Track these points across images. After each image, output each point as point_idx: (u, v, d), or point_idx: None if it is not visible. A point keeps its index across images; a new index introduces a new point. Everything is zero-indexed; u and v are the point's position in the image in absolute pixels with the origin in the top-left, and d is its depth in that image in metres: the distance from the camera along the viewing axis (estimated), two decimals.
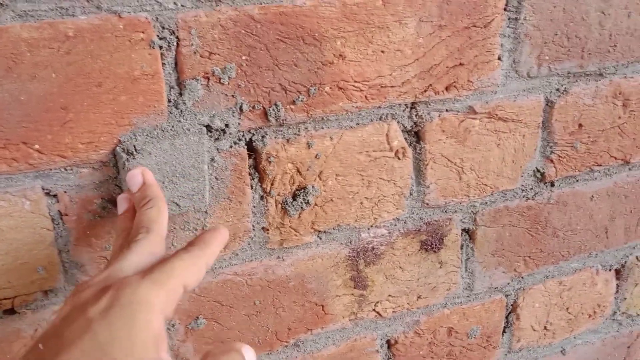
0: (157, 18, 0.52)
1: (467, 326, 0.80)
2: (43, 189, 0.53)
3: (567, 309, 0.87)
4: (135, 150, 0.53)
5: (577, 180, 0.79)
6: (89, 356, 0.36)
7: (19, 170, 0.51)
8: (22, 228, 0.53)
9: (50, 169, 0.53)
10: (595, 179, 0.81)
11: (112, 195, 0.56)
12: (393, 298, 0.74)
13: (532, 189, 0.77)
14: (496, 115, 0.70)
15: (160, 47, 0.53)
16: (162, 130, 0.55)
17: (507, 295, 0.82)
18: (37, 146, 0.51)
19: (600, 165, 0.79)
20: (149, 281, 0.40)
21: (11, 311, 0.56)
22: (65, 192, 0.54)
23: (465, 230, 0.75)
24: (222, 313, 0.65)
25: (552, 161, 0.76)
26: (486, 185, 0.73)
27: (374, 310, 0.73)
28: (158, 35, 0.53)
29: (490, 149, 0.71)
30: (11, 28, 0.48)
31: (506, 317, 0.84)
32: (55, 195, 0.54)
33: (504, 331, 0.84)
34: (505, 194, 0.75)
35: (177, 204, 0.57)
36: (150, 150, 0.54)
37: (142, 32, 0.52)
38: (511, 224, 0.77)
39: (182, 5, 0.53)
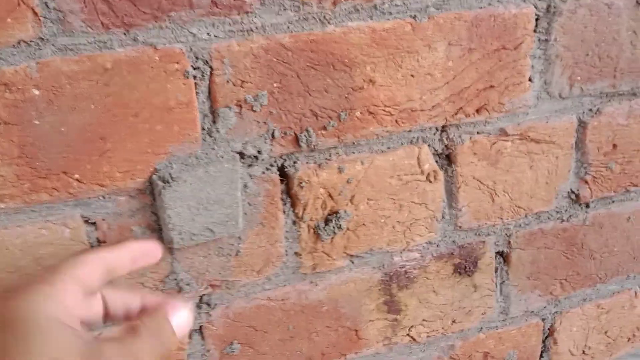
0: (191, 49, 0.53)
1: (504, 351, 0.79)
2: (82, 217, 0.55)
3: (606, 332, 0.85)
4: (171, 178, 0.54)
5: (612, 201, 0.78)
6: None
7: (60, 199, 0.53)
8: (62, 256, 0.55)
9: (89, 198, 0.54)
10: (632, 199, 0.79)
11: (149, 222, 0.57)
12: (427, 322, 0.73)
13: (566, 210, 0.76)
14: (528, 136, 0.70)
15: (194, 77, 0.54)
16: (197, 158, 0.56)
17: (543, 319, 0.80)
18: (76, 175, 0.52)
19: (636, 185, 0.78)
20: None
21: None
22: (103, 219, 0.55)
23: (500, 253, 0.75)
24: (256, 338, 0.65)
25: (586, 182, 0.75)
26: (520, 207, 0.72)
27: (408, 334, 0.73)
28: (192, 65, 0.54)
29: (523, 171, 0.71)
30: (52, 62, 0.49)
31: (543, 342, 0.82)
32: (94, 223, 0.55)
33: (541, 356, 0.82)
34: (540, 216, 0.74)
35: (212, 230, 0.58)
36: (185, 178, 0.55)
37: (177, 63, 0.53)
38: (546, 246, 0.76)
39: (215, 36, 0.54)
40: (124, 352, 0.40)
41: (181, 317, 0.46)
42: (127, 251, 0.48)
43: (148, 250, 0.50)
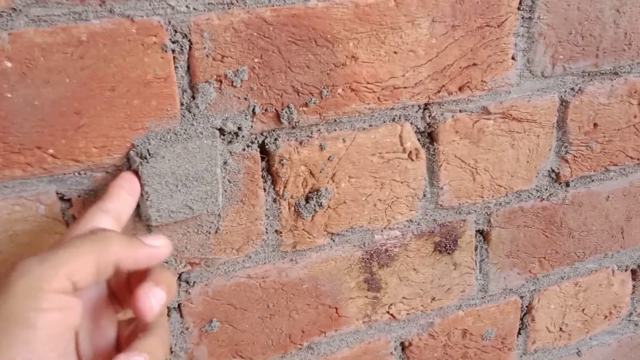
0: (169, 21, 0.52)
1: (482, 328, 0.80)
2: (57, 194, 0.53)
3: (583, 310, 0.86)
4: (149, 154, 0.53)
5: (592, 180, 0.79)
6: None
7: (33, 175, 0.51)
8: (36, 232, 0.53)
9: (64, 174, 0.53)
10: (611, 178, 0.80)
11: None
12: (407, 300, 0.73)
13: (547, 189, 0.76)
14: (510, 115, 0.69)
15: (173, 51, 0.53)
16: (175, 133, 0.55)
17: (522, 297, 0.81)
18: (51, 151, 0.51)
19: (616, 165, 0.79)
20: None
21: None
22: (79, 196, 0.54)
23: (480, 232, 0.75)
24: (236, 316, 0.65)
25: (567, 161, 0.75)
26: (500, 186, 0.72)
27: (387, 312, 0.73)
28: (170, 39, 0.53)
29: (505, 150, 0.71)
30: (25, 33, 0.48)
31: (521, 319, 0.83)
32: (69, 200, 0.54)
33: (519, 333, 0.83)
34: (520, 195, 0.75)
35: (191, 207, 0.57)
36: (163, 154, 0.54)
37: (155, 36, 0.52)
38: (526, 224, 0.77)
39: (194, 9, 0.53)
40: None
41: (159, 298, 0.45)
42: (150, 255, 0.46)
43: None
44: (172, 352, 0.64)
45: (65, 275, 0.40)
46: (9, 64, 0.48)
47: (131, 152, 0.54)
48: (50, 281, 0.39)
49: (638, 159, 0.80)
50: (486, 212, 0.74)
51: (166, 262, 0.59)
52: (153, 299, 0.44)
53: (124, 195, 0.50)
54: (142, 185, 0.54)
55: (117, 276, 0.47)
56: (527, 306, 0.82)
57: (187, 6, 0.52)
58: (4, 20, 0.47)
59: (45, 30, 0.48)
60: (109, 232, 0.44)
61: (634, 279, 0.89)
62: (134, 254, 0.44)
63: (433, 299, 0.75)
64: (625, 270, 0.88)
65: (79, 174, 0.53)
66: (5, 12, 0.47)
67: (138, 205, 0.56)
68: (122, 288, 0.49)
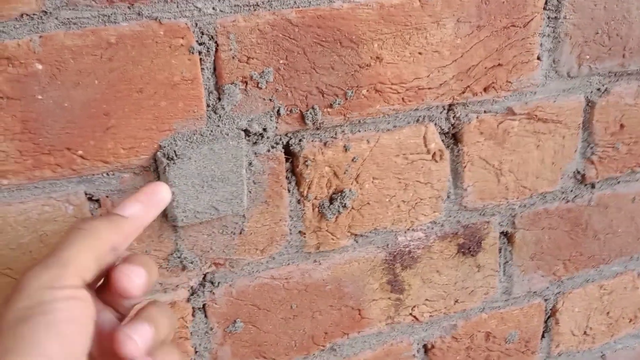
0: (196, 24, 0.52)
1: (505, 331, 0.79)
2: (86, 194, 0.54)
3: (608, 313, 0.85)
4: (176, 155, 0.54)
5: (618, 182, 0.78)
6: None
7: (63, 176, 0.52)
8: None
9: (93, 174, 0.53)
10: (637, 180, 0.79)
11: None
12: (430, 302, 0.73)
13: (572, 191, 0.75)
14: (536, 116, 0.69)
15: (200, 53, 0.53)
16: (201, 135, 0.56)
17: (546, 300, 0.81)
18: (80, 152, 0.52)
19: None
20: None
21: None
22: (107, 197, 0.55)
23: (504, 234, 0.74)
24: (259, 317, 0.65)
25: (592, 162, 0.74)
26: (525, 187, 0.72)
27: (410, 314, 0.73)
28: (197, 41, 0.53)
29: (530, 151, 0.70)
30: (55, 36, 0.48)
31: (545, 322, 0.82)
32: (97, 200, 0.55)
33: (542, 336, 0.83)
34: (545, 197, 0.74)
35: (216, 208, 0.57)
36: (190, 155, 0.54)
37: (182, 38, 0.52)
38: (550, 226, 0.76)
39: (220, 11, 0.53)
40: None
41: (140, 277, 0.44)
42: (134, 224, 0.46)
43: (154, 195, 0.48)
44: (196, 352, 0.64)
45: (72, 274, 0.40)
46: (39, 66, 0.48)
47: (158, 153, 0.54)
48: (60, 280, 0.40)
49: None
50: (510, 214, 0.73)
51: (191, 263, 0.60)
52: (131, 274, 0.43)
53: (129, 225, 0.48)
54: (168, 186, 0.54)
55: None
56: (551, 309, 0.82)
57: (213, 8, 0.53)
58: (35, 23, 0.48)
59: (75, 33, 0.49)
60: (94, 222, 0.44)
61: None
62: (122, 232, 0.45)
63: (456, 301, 0.74)
64: None
65: (107, 174, 0.54)
66: (36, 15, 0.48)
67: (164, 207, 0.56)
68: (108, 293, 0.48)
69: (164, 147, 0.54)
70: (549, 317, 0.82)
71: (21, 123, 0.49)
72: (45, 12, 0.48)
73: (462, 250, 0.72)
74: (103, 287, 0.47)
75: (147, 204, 0.48)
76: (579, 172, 0.75)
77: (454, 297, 0.74)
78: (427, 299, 0.73)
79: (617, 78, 0.72)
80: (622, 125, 0.74)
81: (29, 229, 0.53)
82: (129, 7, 0.50)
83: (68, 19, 0.48)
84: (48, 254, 0.42)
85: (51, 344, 0.37)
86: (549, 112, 0.69)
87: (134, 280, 0.43)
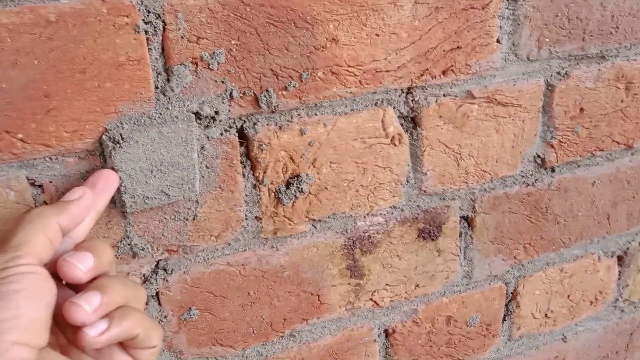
0: (142, 1, 0.50)
1: (467, 314, 0.79)
2: (28, 179, 0.52)
3: (569, 296, 0.86)
4: (122, 138, 0.52)
5: (578, 166, 0.78)
6: None
7: (3, 161, 0.50)
8: (7, 219, 0.52)
9: (35, 159, 0.51)
10: (597, 164, 0.79)
11: None
12: (390, 287, 0.73)
13: (532, 174, 0.75)
14: (495, 99, 0.68)
15: (146, 32, 0.51)
16: (150, 117, 0.54)
17: (507, 283, 0.81)
18: (20, 135, 0.50)
19: (602, 150, 0.78)
20: None
21: None
22: (50, 182, 0.53)
23: (464, 218, 0.74)
24: (216, 304, 0.64)
25: (552, 146, 0.74)
26: (485, 171, 0.71)
27: (371, 299, 0.72)
28: (143, 20, 0.51)
29: (489, 135, 0.70)
30: None
31: (506, 305, 0.82)
32: (40, 186, 0.53)
33: (504, 319, 0.83)
34: (505, 180, 0.74)
35: (167, 194, 0.55)
36: (137, 139, 0.52)
37: (127, 16, 0.50)
38: (511, 210, 0.76)
39: None
40: None
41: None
42: (79, 205, 0.48)
43: (100, 179, 0.51)
44: None
45: (26, 254, 0.42)
46: None
47: (104, 136, 0.52)
48: (18, 260, 0.42)
49: (624, 144, 0.79)
50: (470, 198, 0.73)
51: (142, 250, 0.58)
52: (74, 261, 0.45)
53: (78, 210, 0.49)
54: (115, 171, 0.52)
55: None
56: (512, 292, 0.82)
57: None
58: None
59: (12, 10, 0.46)
60: (39, 208, 0.47)
61: (619, 265, 0.89)
62: (68, 213, 0.47)
63: (417, 285, 0.74)
64: (611, 257, 0.87)
65: (50, 159, 0.52)
66: None
67: None
68: None
69: (110, 130, 0.52)
70: (510, 301, 0.82)
71: None
72: None
73: (423, 234, 0.72)
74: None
75: (93, 188, 0.49)
76: (539, 156, 0.74)
77: (415, 282, 0.74)
78: (387, 284, 0.72)
79: (577, 61, 0.71)
80: (582, 109, 0.74)
81: None
82: None
83: None
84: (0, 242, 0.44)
85: (1, 311, 0.39)
86: (508, 96, 0.69)
87: (77, 267, 0.45)
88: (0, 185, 0.51)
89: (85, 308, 0.43)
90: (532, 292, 0.83)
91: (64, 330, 0.47)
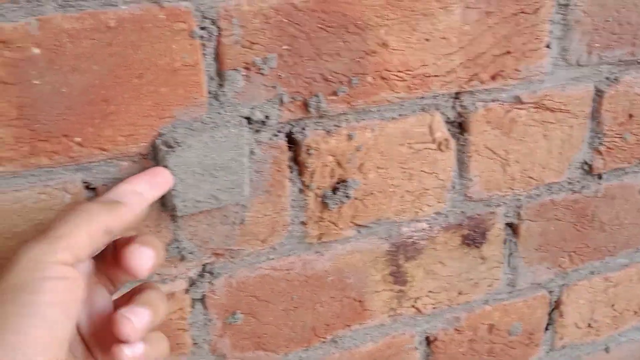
0: (198, 7, 0.51)
1: (509, 323, 0.78)
2: (83, 182, 0.53)
3: (613, 305, 0.84)
4: (176, 142, 0.52)
5: (626, 173, 0.76)
6: None
7: (60, 163, 0.51)
8: None
9: (91, 162, 0.52)
10: None
11: None
12: (433, 294, 0.72)
13: (578, 181, 0.74)
14: (543, 105, 0.67)
15: (201, 37, 0.52)
16: (202, 122, 0.54)
17: (550, 292, 0.79)
18: (78, 139, 0.50)
19: None
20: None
21: None
22: (104, 185, 0.53)
23: (509, 225, 0.73)
24: (260, 308, 0.64)
25: (600, 153, 0.73)
26: (531, 178, 0.71)
27: (413, 306, 0.72)
28: (199, 25, 0.51)
29: (537, 141, 0.69)
30: (53, 19, 0.47)
31: (549, 314, 0.81)
32: (94, 189, 0.53)
33: (546, 328, 0.82)
34: (551, 187, 0.73)
35: (217, 198, 0.56)
36: (190, 143, 0.53)
37: (183, 22, 0.50)
38: (556, 218, 0.75)
39: None
40: None
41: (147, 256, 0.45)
42: (133, 210, 0.47)
43: (154, 177, 0.50)
44: (195, 343, 0.63)
45: (63, 249, 0.41)
46: (37, 51, 0.47)
47: (157, 140, 0.53)
48: (52, 254, 0.40)
49: None
50: (516, 205, 0.72)
51: (190, 253, 0.59)
52: (142, 254, 0.44)
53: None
54: None
55: (105, 256, 0.48)
56: (555, 301, 0.81)
57: None
58: (32, 5, 0.46)
59: (73, 16, 0.47)
60: (88, 203, 0.45)
61: None
62: (118, 216, 0.45)
63: (460, 293, 0.73)
64: None
65: (105, 162, 0.53)
66: None
67: (163, 196, 0.55)
68: (111, 267, 0.49)
69: (164, 134, 0.53)
70: (553, 309, 0.81)
71: (17, 109, 0.48)
72: None
73: (467, 241, 0.71)
74: (102, 258, 0.48)
75: (146, 189, 0.49)
76: (586, 163, 0.73)
77: (458, 289, 0.73)
78: (430, 291, 0.72)
79: (626, 67, 0.70)
80: (630, 115, 0.72)
81: (24, 217, 0.52)
82: None
83: (66, 1, 0.47)
84: (42, 231, 0.42)
85: (34, 329, 0.38)
86: (557, 101, 0.68)
87: (145, 261, 0.45)
88: (56, 188, 0.52)
89: (135, 324, 0.43)
90: (576, 301, 0.82)
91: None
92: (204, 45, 0.52)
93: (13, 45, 0.46)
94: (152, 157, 0.54)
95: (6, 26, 0.46)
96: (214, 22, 0.52)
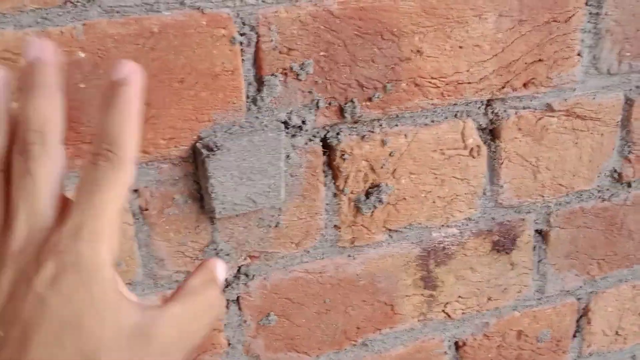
0: (238, 14, 0.52)
1: (537, 330, 0.78)
2: None
3: None
4: (216, 146, 0.53)
5: None
6: (61, 336, 0.33)
7: None
8: None
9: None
10: None
11: (191, 191, 0.56)
12: (463, 299, 0.72)
13: (608, 189, 0.74)
14: (574, 113, 0.68)
15: (241, 43, 0.53)
16: (241, 126, 0.55)
17: (579, 299, 0.79)
18: None
19: None
20: (86, 240, 0.34)
21: None
22: (146, 187, 0.55)
23: (538, 232, 0.73)
24: (293, 310, 0.65)
25: (630, 161, 0.73)
26: (561, 185, 0.71)
27: (443, 311, 0.72)
28: (239, 31, 0.52)
29: (567, 148, 0.69)
30: (98, 24, 0.48)
31: (577, 321, 0.81)
32: (136, 191, 0.54)
33: (574, 335, 0.82)
34: (581, 195, 0.73)
35: (254, 201, 0.57)
36: (229, 147, 0.54)
37: (224, 28, 0.52)
38: (586, 225, 0.75)
39: (262, 1, 0.52)
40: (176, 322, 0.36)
41: (222, 271, 0.41)
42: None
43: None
44: (229, 344, 0.64)
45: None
46: (82, 55, 0.48)
47: (198, 144, 0.54)
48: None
49: None
50: (546, 212, 0.72)
51: (227, 255, 0.60)
52: None
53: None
54: (207, 178, 0.54)
55: None
56: (583, 308, 0.80)
57: None
58: (78, 10, 0.48)
59: (118, 22, 0.49)
60: None
61: None
62: None
63: (489, 298, 0.74)
64: None
65: (147, 165, 0.54)
66: (80, 3, 0.47)
67: (202, 198, 0.56)
68: None
69: (204, 138, 0.54)
70: (581, 317, 0.81)
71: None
72: None
73: (497, 247, 0.71)
74: None
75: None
76: (615, 171, 0.73)
77: (487, 295, 0.73)
78: (460, 296, 0.72)
79: None
80: None
81: None
82: None
83: (111, 7, 0.48)
84: None
85: None
86: (587, 109, 0.68)
87: None
88: None
89: None
90: (604, 309, 0.81)
91: None
92: (243, 51, 0.53)
93: (59, 49, 0.48)
94: (192, 161, 0.55)
95: (53, 30, 0.47)
96: (253, 29, 0.53)
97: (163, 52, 0.50)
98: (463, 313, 0.73)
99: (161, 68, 0.51)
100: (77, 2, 0.47)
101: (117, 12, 0.49)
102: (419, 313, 0.71)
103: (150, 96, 0.51)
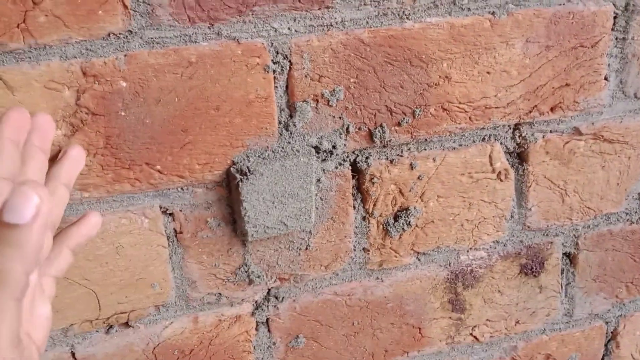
0: (272, 43, 0.54)
1: (566, 353, 0.78)
2: (161, 208, 0.55)
3: None
4: (249, 170, 0.55)
5: None
6: None
7: (141, 190, 0.54)
8: (140, 245, 0.55)
9: (169, 189, 0.55)
10: None
11: (224, 214, 0.57)
12: (491, 322, 0.72)
13: (636, 212, 0.74)
14: (602, 136, 0.68)
15: (274, 71, 0.54)
16: (273, 151, 0.56)
17: (607, 322, 0.79)
18: (158, 167, 0.53)
19: None
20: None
21: (126, 325, 0.58)
22: (180, 210, 0.56)
23: (567, 255, 0.73)
24: (321, 332, 0.66)
25: None
26: (589, 208, 0.71)
27: (471, 334, 0.72)
28: (272, 60, 0.54)
29: (595, 171, 0.69)
30: (139, 54, 0.50)
31: (605, 345, 0.80)
32: (171, 214, 0.56)
33: (602, 359, 0.81)
34: (609, 218, 0.73)
35: (285, 224, 0.58)
36: (262, 171, 0.55)
37: (258, 57, 0.53)
38: (614, 248, 0.75)
39: (295, 31, 0.54)
40: None
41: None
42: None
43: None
44: None
45: None
46: (124, 84, 0.50)
47: (231, 168, 0.55)
48: None
49: None
50: (574, 235, 0.72)
51: (258, 277, 0.61)
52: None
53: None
54: (240, 202, 0.55)
55: None
56: (612, 332, 0.80)
57: (289, 28, 0.54)
58: (121, 42, 0.50)
59: (158, 52, 0.50)
60: None
61: None
62: None
63: (517, 322, 0.74)
64: None
65: (182, 189, 0.55)
66: (122, 35, 0.49)
67: (235, 222, 0.58)
68: None
69: (237, 162, 0.55)
70: (609, 340, 0.80)
71: (104, 138, 0.51)
72: (131, 31, 0.49)
73: (525, 270, 0.72)
74: None
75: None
76: None
77: (515, 318, 0.73)
78: (488, 319, 0.72)
79: None
80: None
81: (105, 240, 0.55)
82: (209, 27, 0.51)
83: (152, 38, 0.50)
84: None
85: None
86: (615, 133, 0.69)
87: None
88: (136, 213, 0.55)
89: None
90: (632, 332, 0.81)
91: None
92: (276, 78, 0.55)
93: (102, 79, 0.50)
94: (225, 185, 0.56)
95: (97, 61, 0.49)
96: (286, 57, 0.54)
97: (200, 80, 0.52)
98: (491, 336, 0.73)
99: (198, 96, 0.52)
100: (120, 34, 0.49)
101: (158, 43, 0.51)
102: (446, 336, 0.71)
103: (187, 123, 0.53)
